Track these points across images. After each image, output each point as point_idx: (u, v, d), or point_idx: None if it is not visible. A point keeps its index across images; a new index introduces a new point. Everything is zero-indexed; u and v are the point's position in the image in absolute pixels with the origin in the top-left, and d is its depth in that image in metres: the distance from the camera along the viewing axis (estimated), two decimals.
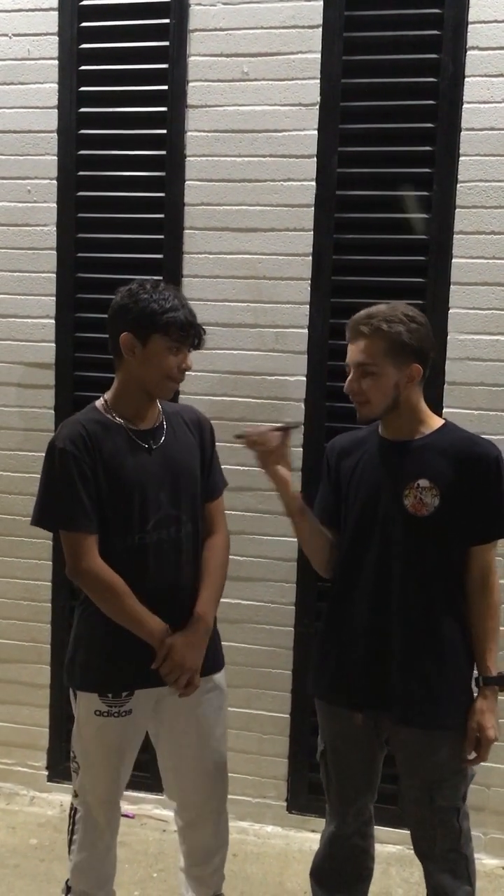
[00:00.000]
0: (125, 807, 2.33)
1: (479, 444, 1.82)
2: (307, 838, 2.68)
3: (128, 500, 1.83)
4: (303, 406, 2.63)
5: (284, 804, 2.78)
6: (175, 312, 1.78)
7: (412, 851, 1.96)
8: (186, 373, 1.88)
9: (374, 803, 2.03)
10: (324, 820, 2.07)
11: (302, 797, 2.76)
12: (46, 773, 2.93)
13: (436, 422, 1.87)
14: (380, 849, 2.38)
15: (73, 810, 1.97)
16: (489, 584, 1.83)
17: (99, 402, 1.91)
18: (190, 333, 1.81)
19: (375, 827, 2.07)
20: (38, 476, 1.87)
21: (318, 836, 2.09)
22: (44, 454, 1.85)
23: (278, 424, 1.91)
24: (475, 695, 1.84)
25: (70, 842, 1.98)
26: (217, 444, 2.05)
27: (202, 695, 1.92)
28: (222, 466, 2.07)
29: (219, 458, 2.05)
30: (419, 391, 1.85)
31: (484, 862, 2.58)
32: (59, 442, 1.82)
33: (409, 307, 1.83)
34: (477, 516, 1.80)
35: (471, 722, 1.79)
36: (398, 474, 1.82)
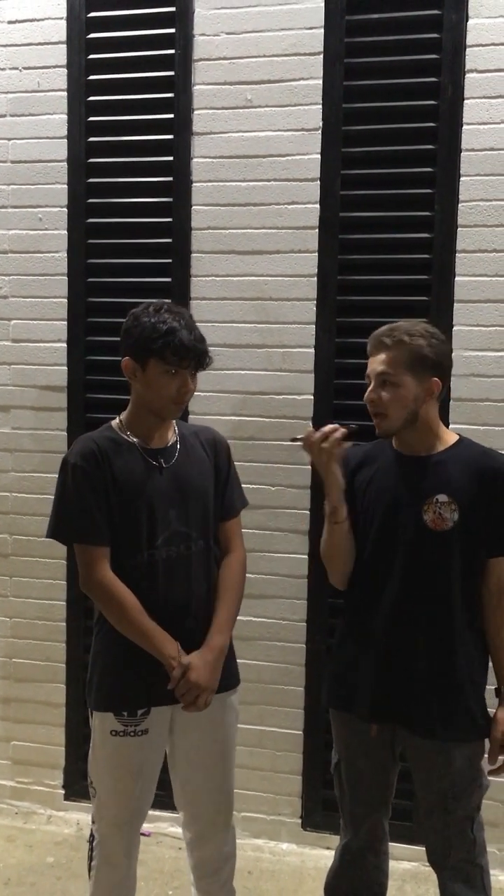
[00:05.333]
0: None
1: (496, 459, 1.86)
2: (322, 855, 2.69)
3: (136, 516, 1.86)
4: (311, 424, 2.66)
5: (299, 821, 2.78)
6: (170, 336, 1.78)
7: (427, 868, 1.97)
8: (195, 393, 1.91)
9: (389, 820, 2.04)
10: (339, 837, 2.09)
11: (317, 814, 2.76)
12: (63, 791, 2.96)
13: (451, 437, 1.90)
14: (395, 865, 2.38)
15: (92, 836, 1.98)
16: None
17: (114, 422, 1.95)
18: (186, 357, 1.81)
19: (390, 843, 2.07)
20: (53, 497, 1.92)
21: (332, 853, 2.10)
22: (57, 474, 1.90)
23: (338, 427, 1.85)
24: (489, 706, 1.86)
25: (89, 868, 2.00)
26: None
27: (219, 712, 1.94)
28: None
29: (238, 479, 2.08)
30: (436, 407, 1.87)
31: (500, 878, 2.57)
32: (71, 457, 1.87)
33: (429, 324, 1.86)
34: (495, 530, 1.83)
35: (494, 733, 1.82)
36: (417, 489, 1.84)
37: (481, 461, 1.84)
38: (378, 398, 1.82)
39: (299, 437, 1.87)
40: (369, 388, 1.84)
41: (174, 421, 1.99)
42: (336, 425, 1.83)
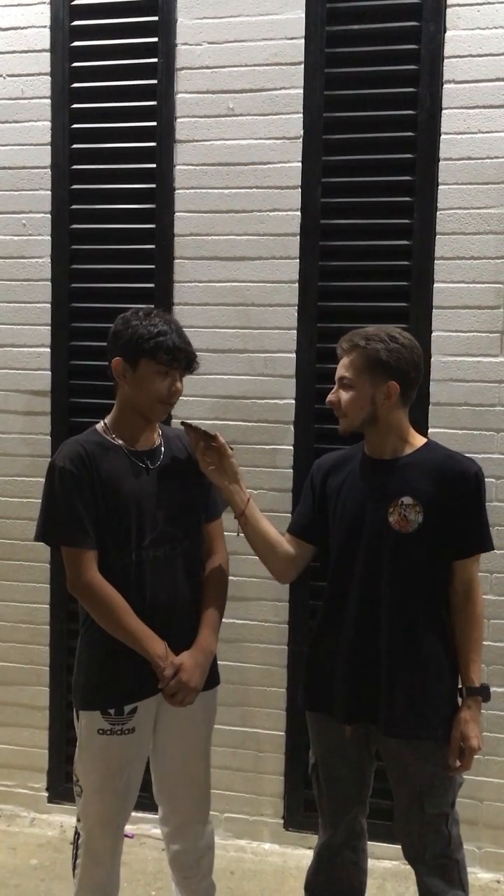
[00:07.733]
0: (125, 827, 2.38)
1: (459, 462, 1.88)
2: (304, 855, 2.71)
3: (124, 517, 1.88)
4: (292, 428, 2.70)
5: (281, 821, 2.81)
6: (163, 337, 1.84)
7: (407, 867, 1.99)
8: (179, 397, 1.94)
9: (370, 819, 2.07)
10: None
11: (298, 814, 2.79)
12: (46, 794, 2.96)
13: (418, 441, 1.93)
14: (375, 864, 2.41)
15: (77, 835, 2.00)
16: (472, 598, 1.89)
17: (99, 425, 1.97)
18: (178, 358, 1.86)
19: (371, 843, 2.10)
20: (37, 501, 1.94)
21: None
22: (42, 479, 1.92)
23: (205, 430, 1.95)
24: (459, 705, 1.89)
25: (74, 866, 2.02)
26: None
27: (200, 710, 1.97)
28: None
29: None
30: (402, 411, 1.90)
31: (479, 875, 2.60)
32: (58, 461, 1.89)
33: (398, 330, 1.90)
34: (458, 532, 1.86)
35: (455, 732, 1.84)
36: (382, 492, 1.88)
37: (445, 464, 1.87)
38: (336, 400, 1.90)
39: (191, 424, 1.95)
40: (331, 391, 1.92)
41: (158, 424, 2.02)
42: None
